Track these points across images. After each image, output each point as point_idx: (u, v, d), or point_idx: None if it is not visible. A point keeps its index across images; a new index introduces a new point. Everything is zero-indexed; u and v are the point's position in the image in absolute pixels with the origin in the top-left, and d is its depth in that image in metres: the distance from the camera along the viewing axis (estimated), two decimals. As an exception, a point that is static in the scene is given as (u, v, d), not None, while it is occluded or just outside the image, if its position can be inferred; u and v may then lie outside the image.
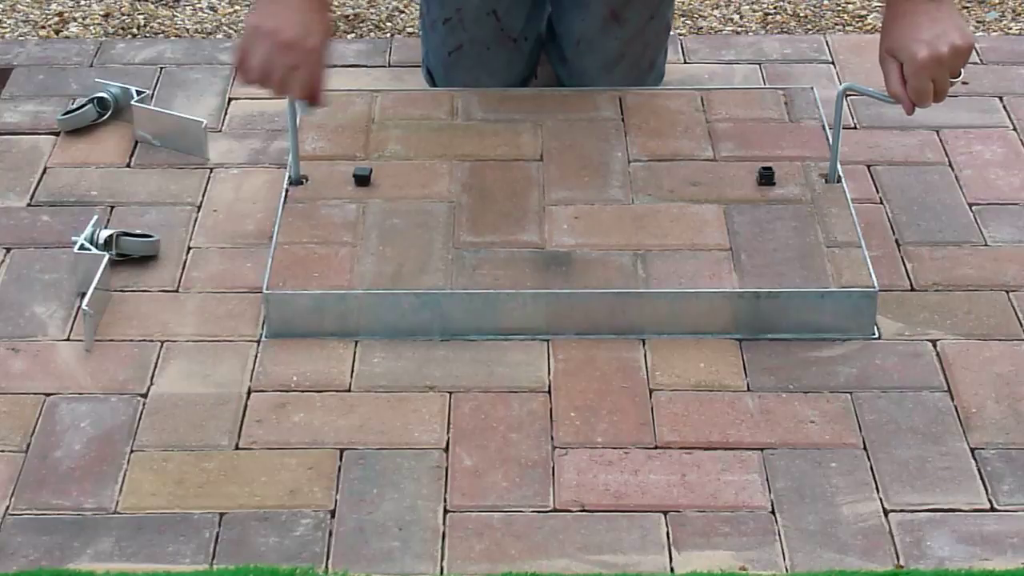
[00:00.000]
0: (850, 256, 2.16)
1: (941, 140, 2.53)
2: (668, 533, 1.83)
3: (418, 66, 2.71)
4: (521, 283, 2.11)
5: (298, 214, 2.25)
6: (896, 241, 2.30)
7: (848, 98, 2.60)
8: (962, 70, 2.12)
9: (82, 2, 2.99)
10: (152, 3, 2.99)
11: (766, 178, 2.30)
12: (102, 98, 2.53)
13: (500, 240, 2.20)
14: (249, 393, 2.03)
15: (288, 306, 2.10)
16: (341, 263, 2.16)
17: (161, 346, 2.10)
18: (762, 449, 1.95)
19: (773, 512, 1.86)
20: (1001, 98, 2.65)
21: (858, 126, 2.57)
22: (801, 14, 2.97)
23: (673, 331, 2.11)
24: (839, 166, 2.31)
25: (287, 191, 2.29)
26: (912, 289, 2.21)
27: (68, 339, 2.11)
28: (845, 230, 2.21)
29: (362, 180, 2.30)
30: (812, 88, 2.54)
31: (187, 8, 2.98)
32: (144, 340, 2.11)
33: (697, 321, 2.10)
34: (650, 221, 2.24)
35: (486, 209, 2.26)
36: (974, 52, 2.78)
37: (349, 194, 2.29)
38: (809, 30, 2.91)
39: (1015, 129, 2.57)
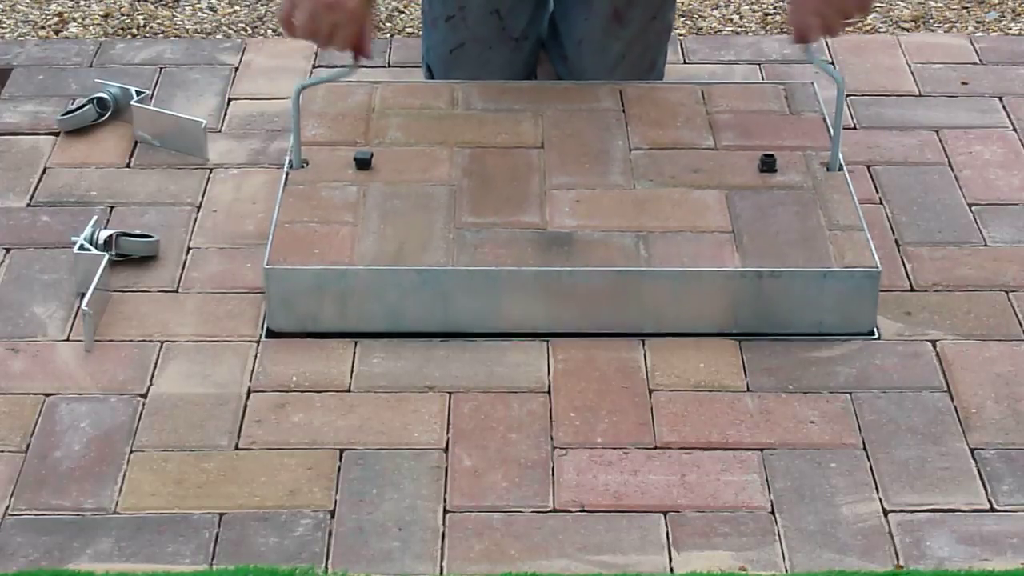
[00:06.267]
0: (852, 238, 2.16)
1: (941, 140, 2.53)
2: (668, 533, 1.83)
3: (418, 66, 2.71)
4: (523, 261, 2.11)
5: (298, 195, 2.25)
6: (896, 241, 2.30)
7: (848, 98, 2.61)
8: (859, 14, 2.21)
9: (82, 2, 2.99)
10: (152, 3, 2.99)
11: (768, 165, 2.30)
12: (102, 98, 2.53)
13: (501, 221, 2.20)
14: (249, 393, 2.03)
15: (289, 281, 2.10)
16: (342, 241, 2.16)
17: (161, 346, 2.10)
18: (762, 449, 1.95)
19: (773, 512, 1.86)
20: (1001, 98, 2.65)
21: (858, 126, 2.57)
22: (801, 14, 2.96)
23: (676, 312, 2.10)
24: (840, 155, 2.30)
25: (287, 174, 2.29)
26: (912, 289, 2.21)
27: (68, 339, 2.11)
28: (847, 214, 2.21)
29: (363, 164, 2.30)
30: (812, 83, 2.54)
31: (187, 8, 2.98)
32: (144, 340, 2.11)
33: (700, 301, 2.10)
34: (652, 205, 2.24)
35: (487, 193, 2.26)
36: (974, 52, 2.79)
37: (350, 177, 2.29)
38: (809, 30, 2.91)
39: (1015, 129, 2.57)
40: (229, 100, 2.63)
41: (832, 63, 2.74)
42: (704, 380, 2.05)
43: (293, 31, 2.15)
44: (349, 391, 2.03)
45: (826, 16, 2.18)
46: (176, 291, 2.20)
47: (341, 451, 1.94)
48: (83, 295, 2.12)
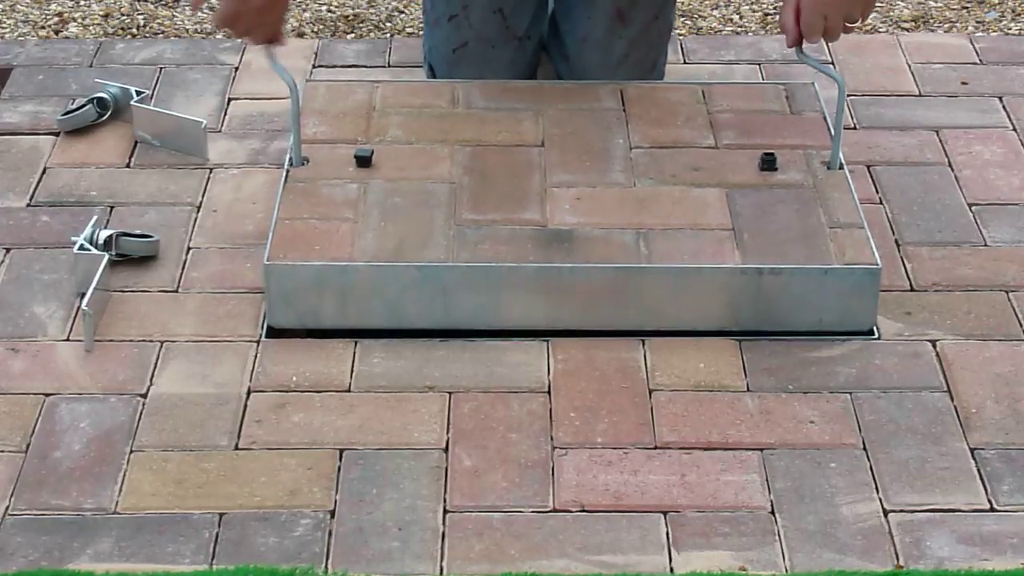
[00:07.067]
0: (853, 236, 2.16)
1: (941, 140, 2.53)
2: (668, 533, 1.83)
3: (417, 66, 2.71)
4: (523, 258, 2.11)
5: (299, 192, 2.25)
6: (896, 241, 2.30)
7: (848, 98, 2.61)
8: (859, 17, 2.20)
9: (82, 2, 2.99)
10: (152, 3, 2.99)
11: (768, 164, 2.30)
12: (102, 98, 2.53)
13: (502, 218, 2.20)
14: (249, 393, 2.03)
15: (289, 278, 2.10)
16: (342, 238, 2.16)
17: (161, 346, 2.10)
18: (762, 449, 1.95)
19: (773, 512, 1.86)
20: (1001, 98, 2.65)
21: (858, 126, 2.57)
22: (801, 14, 2.96)
23: (676, 309, 2.10)
24: (841, 154, 2.30)
25: (288, 171, 2.29)
26: (912, 289, 2.21)
27: (68, 339, 2.11)
28: (847, 212, 2.21)
29: (363, 161, 2.30)
30: (813, 83, 2.54)
31: (187, 8, 2.98)
32: (144, 340, 2.11)
33: (700, 298, 2.10)
34: (652, 203, 2.24)
35: (487, 190, 2.26)
36: (974, 52, 2.79)
37: (350, 174, 2.29)
38: (809, 30, 2.91)
39: (1015, 129, 2.57)
40: (229, 100, 2.63)
41: (832, 63, 2.74)
42: (704, 380, 2.05)
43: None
44: (349, 391, 2.03)
45: (830, 17, 2.18)
46: (176, 291, 2.20)
47: (341, 451, 1.94)
48: (83, 295, 2.12)
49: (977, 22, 2.95)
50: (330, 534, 1.83)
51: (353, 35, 2.90)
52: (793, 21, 2.20)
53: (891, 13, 2.96)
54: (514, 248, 2.14)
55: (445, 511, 1.86)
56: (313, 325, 2.12)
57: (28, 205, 2.37)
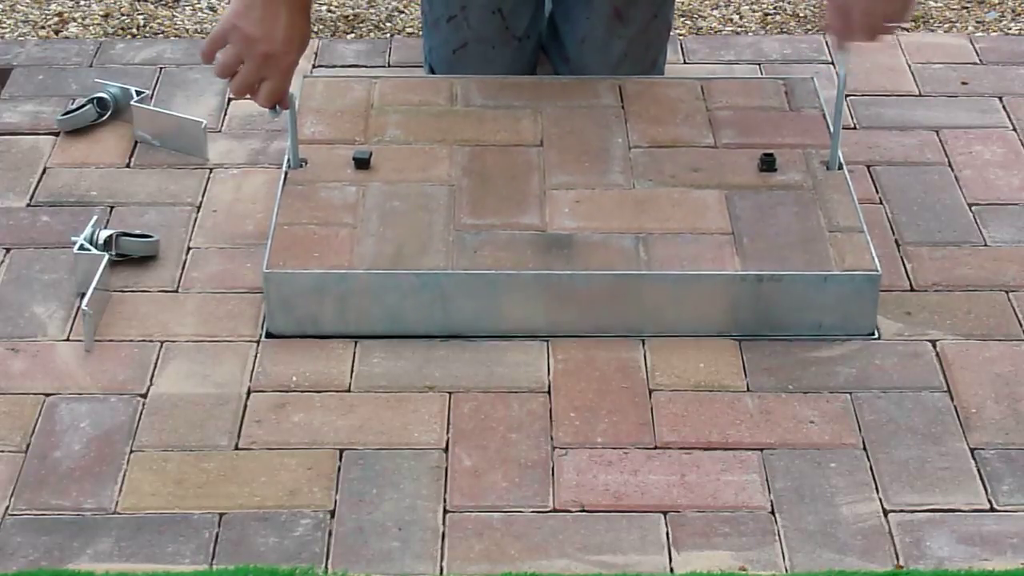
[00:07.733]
0: (852, 240, 2.16)
1: (941, 140, 2.53)
2: (668, 533, 1.83)
3: (418, 66, 2.71)
4: (522, 264, 2.11)
5: (297, 196, 2.25)
6: (896, 241, 2.30)
7: (848, 98, 2.61)
8: (904, 20, 2.16)
9: (82, 2, 2.99)
10: (152, 3, 2.99)
11: (767, 164, 2.30)
12: (102, 98, 2.53)
13: (501, 223, 2.20)
14: (249, 393, 2.03)
15: (288, 285, 2.10)
16: (341, 244, 2.16)
17: (161, 346, 2.10)
18: (762, 449, 1.95)
19: (773, 512, 1.86)
20: (1001, 98, 2.65)
21: (857, 126, 2.57)
22: (801, 14, 2.97)
23: (675, 315, 2.10)
24: (840, 153, 2.30)
25: (286, 174, 2.29)
26: (912, 289, 2.21)
27: (68, 339, 2.11)
28: (847, 215, 2.21)
29: (362, 163, 2.30)
30: (812, 78, 2.53)
31: (187, 8, 2.98)
32: (144, 340, 2.11)
33: (700, 304, 2.10)
34: (651, 205, 2.24)
35: (486, 192, 2.26)
36: (974, 52, 2.79)
37: (349, 177, 2.29)
38: (809, 30, 2.92)
39: (1015, 129, 2.57)
40: (229, 100, 2.63)
41: (833, 64, 2.74)
42: (704, 380, 2.05)
43: (210, 61, 2.10)
44: (349, 391, 2.03)
45: (872, 16, 2.12)
46: (176, 291, 2.20)
47: (341, 451, 1.94)
48: (83, 295, 2.12)
49: (977, 22, 2.95)
50: (330, 534, 1.83)
51: (353, 35, 2.90)
52: (840, 21, 2.13)
53: (891, 13, 2.96)
54: (513, 254, 2.14)
55: (445, 511, 1.86)
56: (313, 332, 2.12)
57: (28, 205, 2.37)
